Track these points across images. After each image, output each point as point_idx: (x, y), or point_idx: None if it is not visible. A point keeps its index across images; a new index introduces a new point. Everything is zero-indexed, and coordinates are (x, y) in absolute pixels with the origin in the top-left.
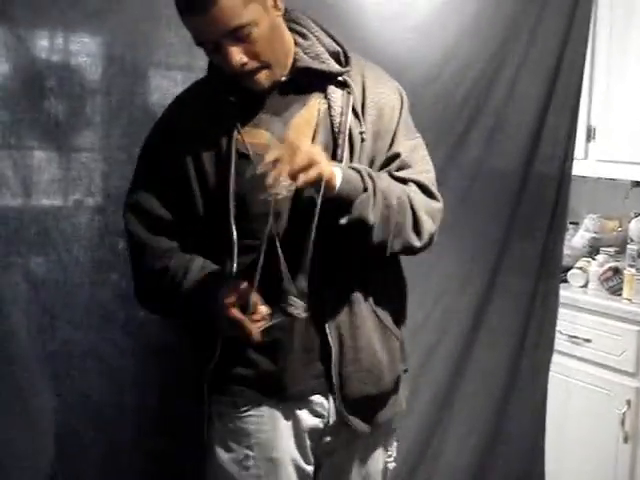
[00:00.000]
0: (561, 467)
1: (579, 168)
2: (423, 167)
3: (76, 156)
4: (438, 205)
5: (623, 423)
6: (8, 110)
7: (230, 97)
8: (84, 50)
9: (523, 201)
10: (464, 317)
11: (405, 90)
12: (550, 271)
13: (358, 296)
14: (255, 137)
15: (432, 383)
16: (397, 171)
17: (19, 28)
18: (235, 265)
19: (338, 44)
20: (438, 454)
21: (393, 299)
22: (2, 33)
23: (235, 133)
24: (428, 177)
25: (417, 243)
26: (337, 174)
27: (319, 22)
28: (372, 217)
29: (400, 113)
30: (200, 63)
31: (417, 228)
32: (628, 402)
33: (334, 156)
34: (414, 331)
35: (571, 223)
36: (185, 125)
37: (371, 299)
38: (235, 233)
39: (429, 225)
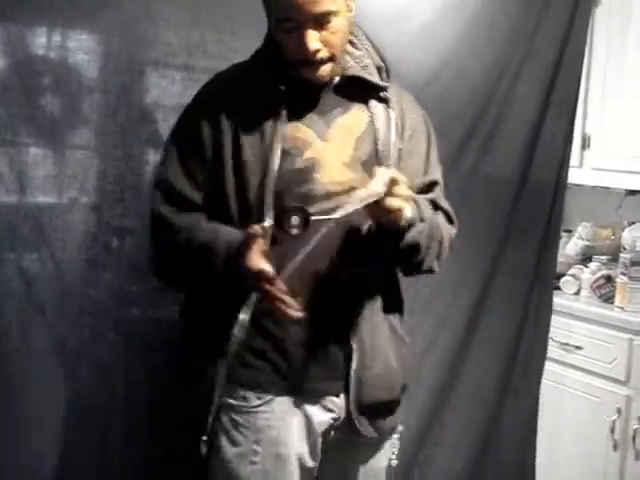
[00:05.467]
0: (551, 474)
1: (574, 176)
2: (443, 194)
3: (72, 153)
4: (455, 232)
5: (613, 431)
6: (4, 106)
7: (280, 86)
8: (81, 47)
9: (519, 208)
10: (457, 323)
11: None
12: (544, 278)
13: (375, 302)
14: (298, 131)
15: (424, 388)
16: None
17: (17, 25)
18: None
19: (383, 60)
20: (430, 460)
21: (399, 306)
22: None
23: (281, 123)
24: (449, 204)
25: (437, 268)
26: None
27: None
28: (424, 247)
29: (429, 139)
30: (198, 62)
31: (439, 255)
32: (618, 410)
33: None
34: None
35: (564, 231)
36: (227, 106)
37: (383, 306)
38: (270, 222)
39: (447, 252)
